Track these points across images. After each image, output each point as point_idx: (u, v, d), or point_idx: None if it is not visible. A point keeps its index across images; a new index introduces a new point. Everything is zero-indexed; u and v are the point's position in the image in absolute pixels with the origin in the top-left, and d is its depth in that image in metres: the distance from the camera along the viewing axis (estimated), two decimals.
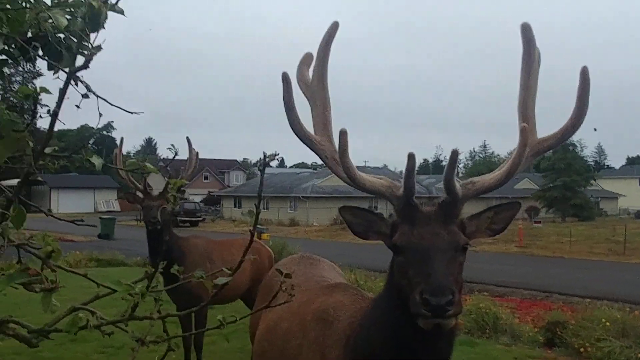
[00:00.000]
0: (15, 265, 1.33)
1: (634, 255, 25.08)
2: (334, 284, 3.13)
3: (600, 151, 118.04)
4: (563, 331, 8.97)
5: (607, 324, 8.64)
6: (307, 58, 2.71)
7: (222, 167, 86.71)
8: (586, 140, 58.45)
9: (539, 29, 2.50)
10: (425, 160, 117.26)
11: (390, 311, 2.25)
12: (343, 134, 2.15)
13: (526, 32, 2.47)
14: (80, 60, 1.46)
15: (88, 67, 1.41)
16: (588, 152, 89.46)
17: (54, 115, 1.36)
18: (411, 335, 2.14)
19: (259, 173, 1.84)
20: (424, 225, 2.17)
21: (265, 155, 1.42)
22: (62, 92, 1.39)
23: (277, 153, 1.43)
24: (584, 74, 2.35)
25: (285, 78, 2.41)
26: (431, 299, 1.89)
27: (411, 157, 2.11)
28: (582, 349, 8.25)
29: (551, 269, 19.71)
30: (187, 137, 6.70)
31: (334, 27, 2.59)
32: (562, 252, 27.08)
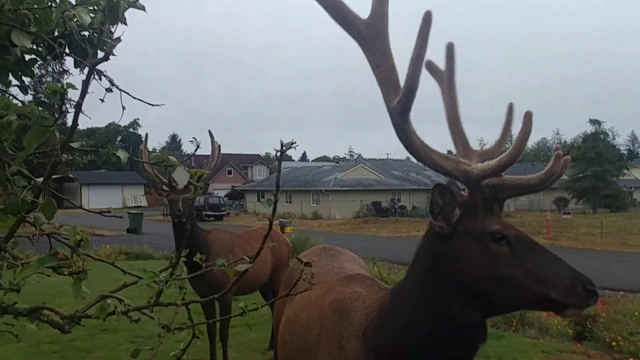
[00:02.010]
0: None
1: None
2: (352, 275, 3.11)
3: (634, 139, 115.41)
4: (594, 325, 8.82)
5: None
6: None
7: (245, 161, 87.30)
8: (618, 129, 57.08)
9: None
10: (449, 152, 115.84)
11: (426, 302, 2.21)
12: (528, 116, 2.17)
13: (450, 51, 2.45)
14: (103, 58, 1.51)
15: (109, 59, 1.45)
16: (620, 141, 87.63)
17: (78, 107, 1.41)
18: (454, 327, 2.15)
19: (281, 167, 1.87)
20: (501, 217, 2.22)
21: (282, 144, 1.43)
22: (85, 85, 1.44)
23: (294, 141, 1.45)
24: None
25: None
26: (596, 290, 2.00)
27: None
28: (613, 343, 8.07)
29: (581, 261, 19.13)
30: (209, 131, 6.78)
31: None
32: (592, 244, 26.56)
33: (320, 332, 2.79)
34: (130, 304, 1.45)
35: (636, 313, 8.59)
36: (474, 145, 2.60)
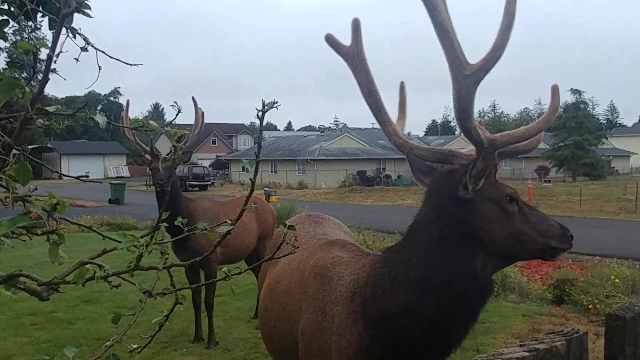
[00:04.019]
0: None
1: None
2: (332, 240, 3.09)
3: (613, 109, 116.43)
4: (571, 288, 9.01)
5: (617, 280, 8.67)
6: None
7: (230, 131, 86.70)
8: (598, 98, 57.73)
9: None
10: (433, 121, 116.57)
11: (446, 264, 2.29)
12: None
13: (356, 26, 2.47)
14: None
15: (79, 10, 1.39)
16: (600, 110, 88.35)
17: (49, 60, 1.35)
18: (474, 284, 2.27)
19: (266, 138, 1.83)
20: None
21: (263, 104, 1.38)
22: (56, 36, 1.37)
23: (275, 101, 1.40)
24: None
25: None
26: (572, 233, 2.41)
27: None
28: (590, 306, 8.30)
29: None
30: (193, 97, 6.66)
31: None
32: (572, 211, 26.97)
33: (301, 298, 2.77)
34: (109, 269, 1.41)
35: (612, 277, 8.80)
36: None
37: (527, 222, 2.37)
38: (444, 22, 2.22)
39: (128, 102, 6.62)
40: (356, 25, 2.44)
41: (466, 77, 2.25)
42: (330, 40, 2.50)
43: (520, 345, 1.62)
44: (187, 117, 6.29)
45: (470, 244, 2.30)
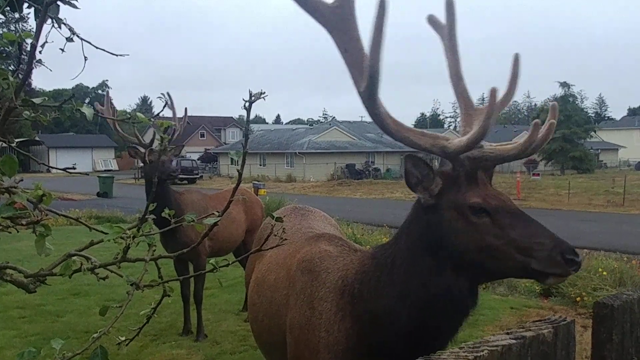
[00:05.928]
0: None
1: (633, 207, 25.08)
2: (319, 234, 3.05)
3: (601, 102, 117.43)
4: None
5: (604, 273, 8.76)
6: None
7: (219, 124, 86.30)
8: (587, 91, 58.26)
9: None
10: (422, 114, 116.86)
11: (419, 271, 2.21)
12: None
13: (450, 6, 2.32)
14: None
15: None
16: (588, 104, 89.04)
17: (32, 48, 1.34)
18: (447, 296, 2.14)
19: (254, 131, 1.82)
20: (487, 185, 2.24)
21: (250, 94, 1.38)
22: (40, 24, 1.36)
23: (263, 91, 1.39)
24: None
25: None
26: (576, 258, 2.02)
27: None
28: (578, 299, 8.37)
29: (549, 221, 19.30)
30: (167, 93, 6.58)
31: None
32: (560, 204, 27.15)
33: (289, 293, 2.75)
34: (96, 261, 1.41)
35: (600, 269, 8.88)
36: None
37: (502, 236, 2.10)
38: (347, 44, 2.11)
39: (108, 92, 6.56)
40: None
41: (362, 94, 2.12)
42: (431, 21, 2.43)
43: (507, 333, 1.63)
44: (176, 110, 6.28)
45: (438, 254, 2.17)
